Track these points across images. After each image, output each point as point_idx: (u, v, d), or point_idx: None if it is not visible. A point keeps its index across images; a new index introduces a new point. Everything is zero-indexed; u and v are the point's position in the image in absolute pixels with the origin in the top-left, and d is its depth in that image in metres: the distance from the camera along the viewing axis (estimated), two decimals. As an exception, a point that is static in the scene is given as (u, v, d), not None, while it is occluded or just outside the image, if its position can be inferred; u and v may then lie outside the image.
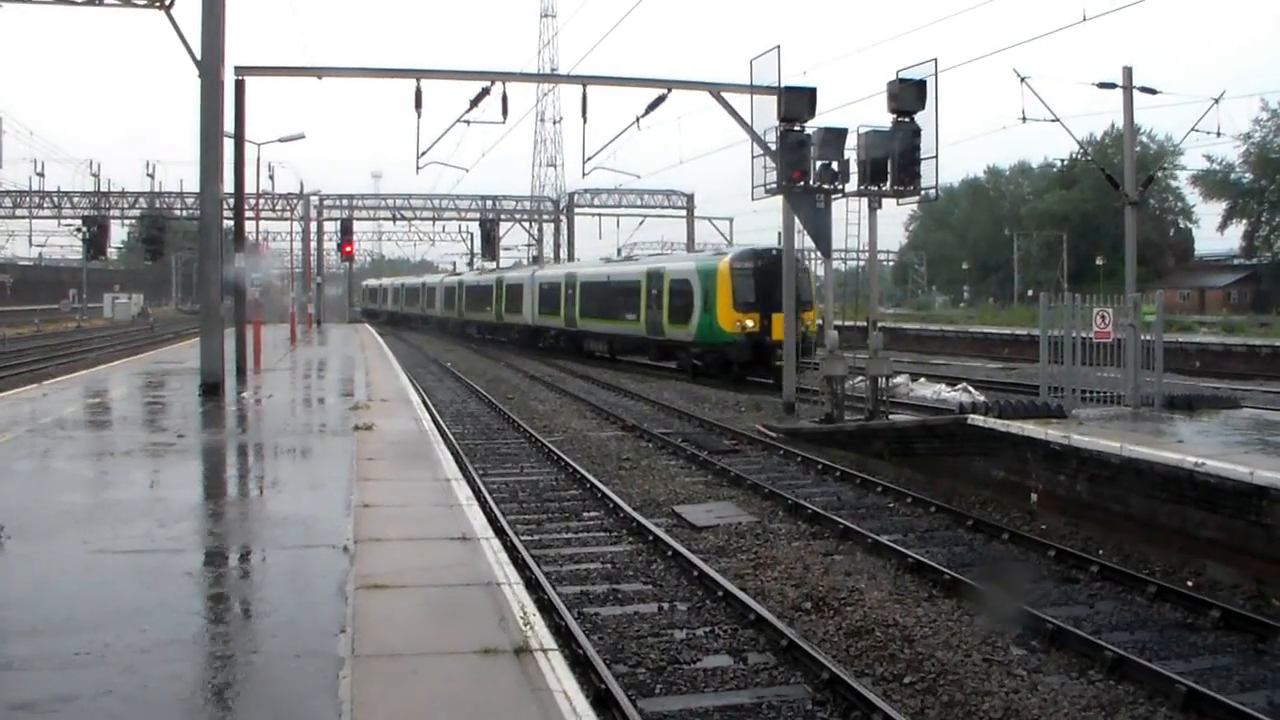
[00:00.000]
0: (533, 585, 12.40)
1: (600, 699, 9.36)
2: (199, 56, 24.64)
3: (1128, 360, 19.35)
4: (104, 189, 74.56)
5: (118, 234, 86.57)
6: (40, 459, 16.53)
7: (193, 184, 52.54)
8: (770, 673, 10.68)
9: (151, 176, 72.72)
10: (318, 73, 28.62)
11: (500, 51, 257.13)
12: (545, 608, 11.63)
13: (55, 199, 74.47)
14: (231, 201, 29.02)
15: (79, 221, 70.99)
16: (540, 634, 8.47)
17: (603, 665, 10.20)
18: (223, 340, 26.54)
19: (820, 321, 29.53)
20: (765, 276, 37.49)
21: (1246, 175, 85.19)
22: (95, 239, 66.32)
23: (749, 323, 37.97)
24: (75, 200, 74.73)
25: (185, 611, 9.00)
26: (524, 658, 7.96)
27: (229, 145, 27.17)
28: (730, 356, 38.29)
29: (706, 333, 39.49)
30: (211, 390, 24.84)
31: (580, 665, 10.03)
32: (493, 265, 75.57)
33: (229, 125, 26.82)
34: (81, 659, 7.71)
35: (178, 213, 74.12)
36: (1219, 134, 36.03)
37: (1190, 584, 13.55)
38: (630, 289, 45.93)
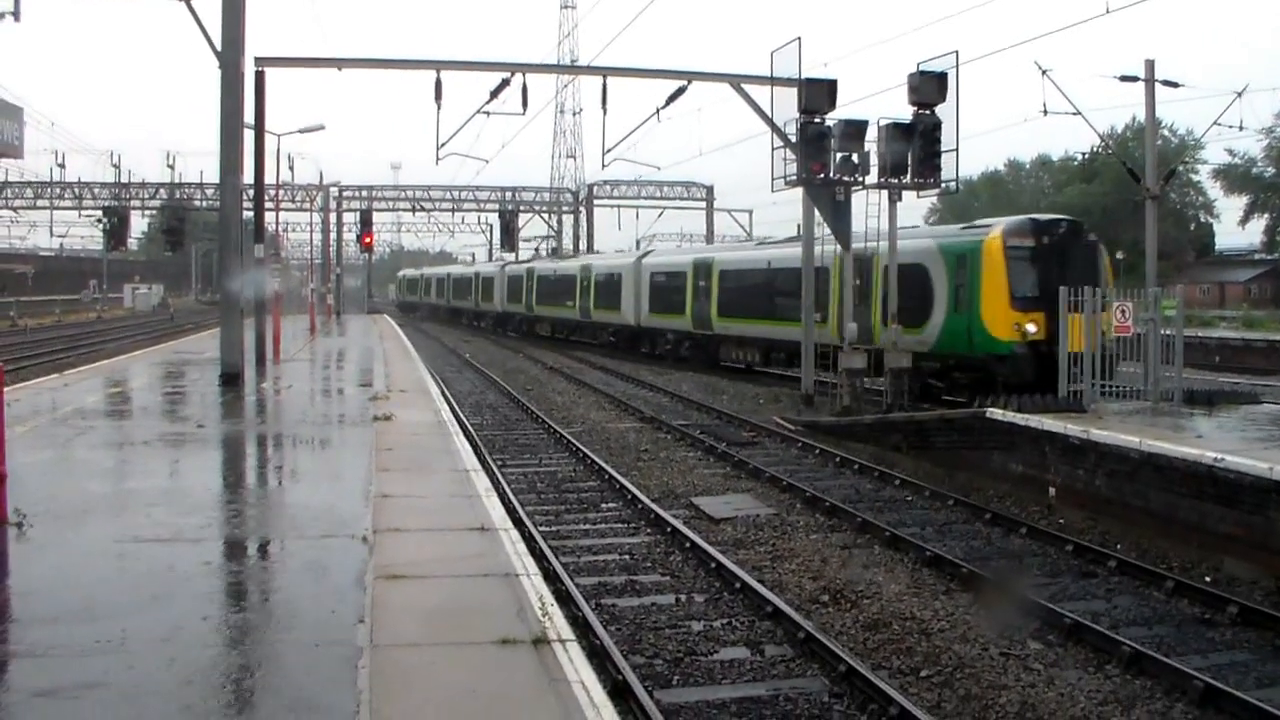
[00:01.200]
0: (550, 576, 12.42)
1: (618, 690, 9.36)
2: (219, 48, 24.70)
3: (1148, 355, 19.29)
4: (124, 180, 74.95)
5: (138, 225, 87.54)
6: (61, 448, 16.59)
7: (213, 175, 52.58)
8: (787, 665, 10.69)
9: (172, 167, 73.08)
10: (338, 64, 28.74)
11: (520, 43, 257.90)
12: (563, 599, 11.66)
13: (76, 190, 74.97)
14: (251, 192, 29.12)
15: (99, 212, 71.15)
16: (558, 625, 8.50)
17: (620, 656, 10.21)
18: (242, 331, 26.65)
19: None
20: (1053, 258, 26.31)
21: (1269, 169, 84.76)
22: (115, 230, 66.37)
23: (1030, 326, 25.70)
24: (96, 191, 75.21)
25: (204, 600, 9.03)
26: (542, 648, 7.98)
27: (249, 136, 27.28)
28: (999, 373, 25.77)
29: (958, 340, 27.40)
30: (231, 380, 24.94)
31: (598, 656, 10.04)
32: (574, 252, 73.06)
33: (249, 116, 26.95)
34: (102, 646, 7.75)
35: (198, 204, 74.57)
36: (1241, 128, 35.93)
37: (1208, 579, 13.54)
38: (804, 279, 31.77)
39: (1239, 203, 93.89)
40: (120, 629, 8.11)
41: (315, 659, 7.73)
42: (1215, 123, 35.49)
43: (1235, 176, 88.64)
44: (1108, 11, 26.84)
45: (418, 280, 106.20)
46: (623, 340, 51.63)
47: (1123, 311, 19.29)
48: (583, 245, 78.43)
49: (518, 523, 13.92)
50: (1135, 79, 33.92)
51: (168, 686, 7.14)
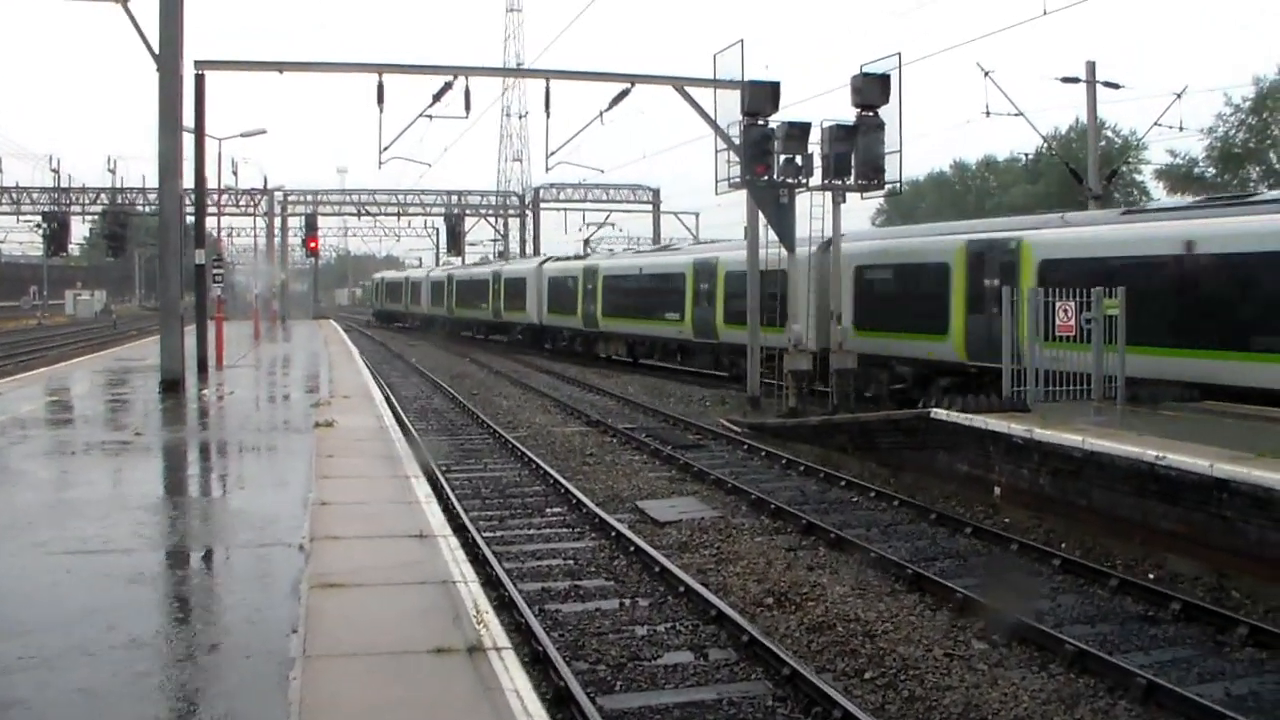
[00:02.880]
0: (493, 582, 12.32)
1: (560, 696, 9.28)
2: (157, 50, 24.42)
3: (1092, 354, 19.35)
4: (64, 184, 73.99)
5: (79, 230, 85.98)
6: (-6, 458, 16.31)
7: (155, 179, 52.29)
8: (731, 669, 10.61)
9: (113, 172, 72.44)
10: (279, 67, 28.43)
11: (465, 45, 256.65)
12: (505, 605, 11.57)
13: (14, 195, 73.77)
14: (192, 197, 28.79)
15: (39, 217, 70.35)
16: (494, 632, 8.38)
17: (562, 662, 10.11)
18: (183, 337, 26.31)
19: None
20: None
21: (1210, 170, 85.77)
22: (56, 235, 65.79)
23: None
24: (35, 196, 74.05)
25: (136, 612, 8.87)
26: (477, 656, 7.87)
27: (189, 140, 26.99)
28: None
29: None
30: (172, 387, 24.66)
31: (539, 663, 9.96)
32: (521, 255, 73.61)
33: (189, 120, 26.66)
34: (26, 662, 7.57)
35: (140, 208, 73.57)
36: (1181, 128, 36.25)
37: (1151, 576, 13.59)
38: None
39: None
40: (49, 643, 7.94)
41: (247, 670, 7.60)
42: (1156, 123, 35.94)
43: (1177, 176, 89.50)
44: (1045, 13, 27.00)
45: (400, 285, 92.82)
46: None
47: (1065, 311, 19.34)
48: (529, 249, 78.22)
49: (459, 529, 13.82)
50: (1076, 80, 34.21)
51: (95, 701, 6.99)
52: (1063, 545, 15.08)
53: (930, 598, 12.86)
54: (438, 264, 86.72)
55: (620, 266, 46.92)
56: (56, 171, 72.61)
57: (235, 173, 65.58)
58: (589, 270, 48.68)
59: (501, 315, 61.74)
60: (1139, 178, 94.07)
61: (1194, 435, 15.73)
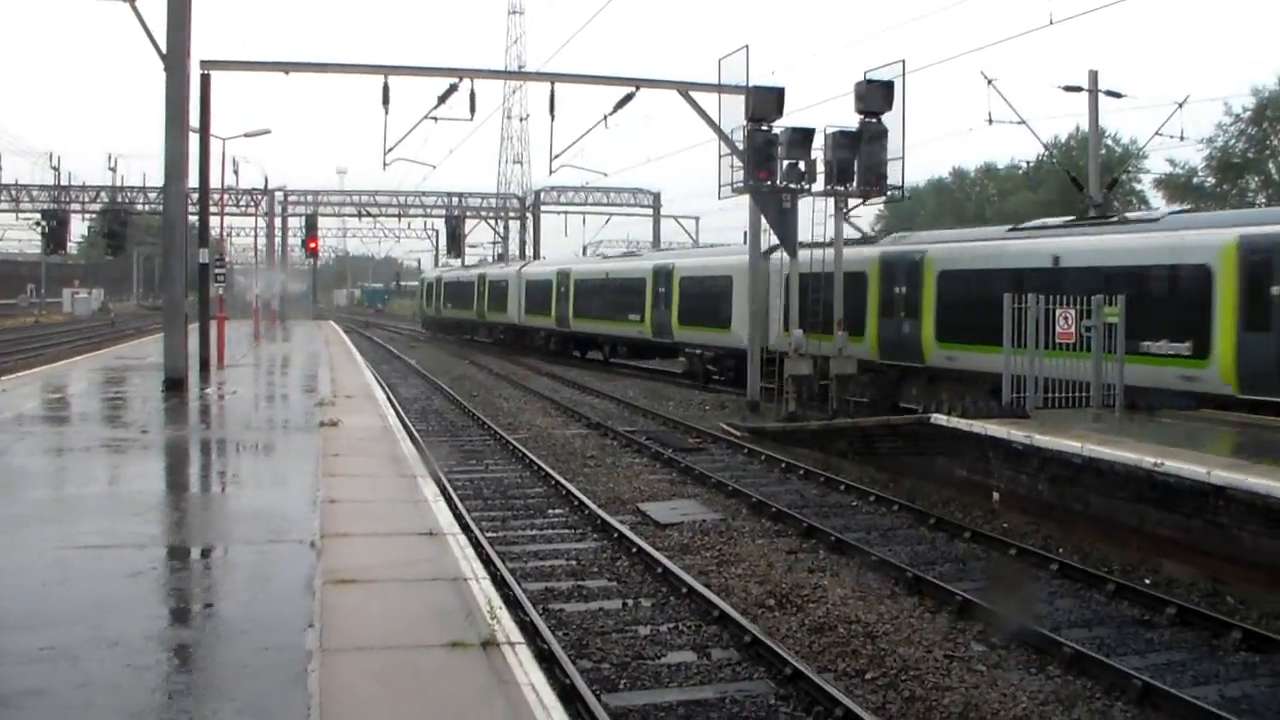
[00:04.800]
0: (498, 581, 12.43)
1: (565, 694, 9.40)
2: (164, 50, 24.54)
3: (1091, 361, 19.48)
4: (65, 182, 73.95)
5: (78, 228, 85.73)
6: None
7: (156, 178, 52.28)
8: (734, 669, 10.76)
9: (114, 170, 72.32)
10: (284, 68, 28.53)
11: (468, 48, 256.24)
12: (511, 603, 11.67)
13: (13, 192, 73.70)
14: (196, 197, 28.90)
15: (38, 215, 70.23)
16: (507, 628, 8.51)
17: (568, 660, 10.26)
18: (186, 336, 26.40)
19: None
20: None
21: (1209, 180, 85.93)
22: (55, 233, 65.53)
23: None
24: (34, 193, 73.97)
25: (152, 606, 9.01)
26: (491, 651, 8.00)
27: (194, 140, 27.08)
28: None
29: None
30: (175, 386, 24.73)
31: (546, 660, 10.07)
32: (520, 258, 72.11)
33: (194, 120, 26.73)
34: (48, 654, 7.68)
35: (140, 207, 73.49)
36: (1182, 138, 36.31)
37: (1148, 581, 13.75)
38: None
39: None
40: (66, 636, 8.03)
41: (265, 663, 7.70)
42: (1157, 133, 35.84)
43: (1176, 186, 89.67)
44: (1051, 22, 27.17)
45: (465, 285, 69.21)
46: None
47: (1065, 319, 19.49)
48: (529, 251, 78.13)
49: (465, 528, 13.90)
50: (1079, 89, 34.27)
51: (118, 691, 7.10)
52: (1060, 550, 15.24)
53: (930, 600, 13.03)
54: (436, 264, 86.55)
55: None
56: (56, 169, 72.64)
57: (236, 172, 65.59)
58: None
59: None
60: (1139, 186, 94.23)
61: (1191, 442, 15.90)
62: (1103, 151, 51.51)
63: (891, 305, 28.18)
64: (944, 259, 26.92)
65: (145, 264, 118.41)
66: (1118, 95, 35.17)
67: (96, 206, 74.93)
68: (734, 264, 34.91)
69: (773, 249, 31.05)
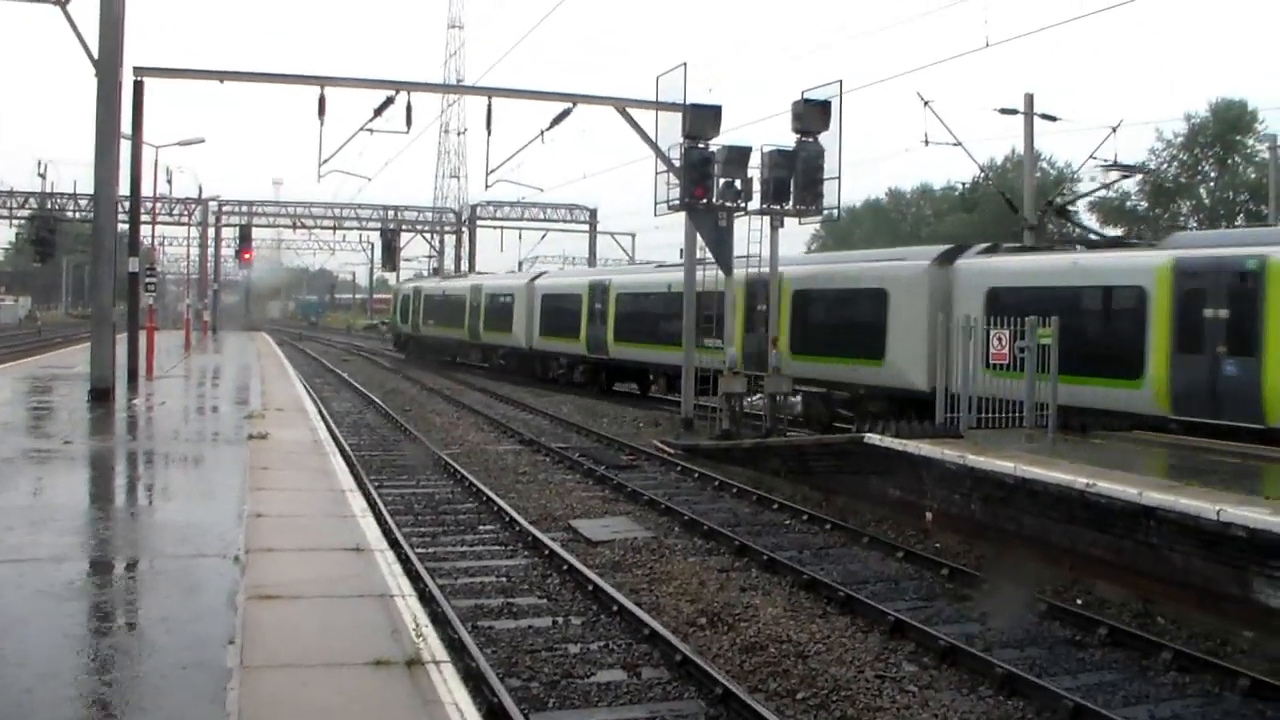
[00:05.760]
0: (426, 598, 12.24)
1: (493, 713, 9.27)
2: (96, 56, 24.15)
3: (1025, 382, 19.56)
4: (-10, 189, 72.67)
5: (5, 234, 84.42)
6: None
7: (86, 185, 51.52)
8: (664, 688, 10.65)
9: (43, 176, 70.96)
10: (219, 76, 28.18)
11: (406, 61, 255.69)
12: (439, 620, 11.50)
13: (-64, 198, 72.38)
14: (127, 204, 28.47)
15: (-37, 221, 69.08)
16: (433, 646, 8.36)
17: (495, 679, 10.10)
18: (114, 345, 25.94)
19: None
20: None
21: (1142, 203, 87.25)
22: (-19, 240, 64.54)
23: None
24: (-42, 200, 72.70)
25: (67, 623, 8.74)
26: (416, 670, 7.84)
27: (126, 147, 26.68)
28: None
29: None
30: (102, 396, 24.29)
31: (473, 679, 9.91)
32: (457, 272, 72.22)
33: (126, 127, 26.34)
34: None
35: (70, 214, 72.42)
36: (1116, 162, 36.71)
37: (1080, 602, 13.80)
38: None
39: (1115, 234, 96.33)
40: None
41: (184, 680, 7.51)
42: (1091, 156, 36.26)
43: (1110, 209, 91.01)
44: (987, 45, 27.46)
45: (452, 299, 60.32)
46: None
47: (999, 339, 19.57)
48: (465, 266, 77.84)
49: (393, 544, 13.74)
50: (1015, 111, 34.70)
51: (27, 714, 6.88)
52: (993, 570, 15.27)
53: (862, 620, 12.99)
54: (371, 277, 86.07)
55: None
56: (-17, 175, 71.24)
57: (170, 181, 64.64)
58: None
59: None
60: (1073, 209, 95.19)
61: (1123, 463, 16.01)
62: (1038, 174, 52.06)
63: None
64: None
65: (75, 272, 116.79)
66: (1053, 118, 35.64)
67: (25, 213, 73.76)
68: (887, 271, 27.39)
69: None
